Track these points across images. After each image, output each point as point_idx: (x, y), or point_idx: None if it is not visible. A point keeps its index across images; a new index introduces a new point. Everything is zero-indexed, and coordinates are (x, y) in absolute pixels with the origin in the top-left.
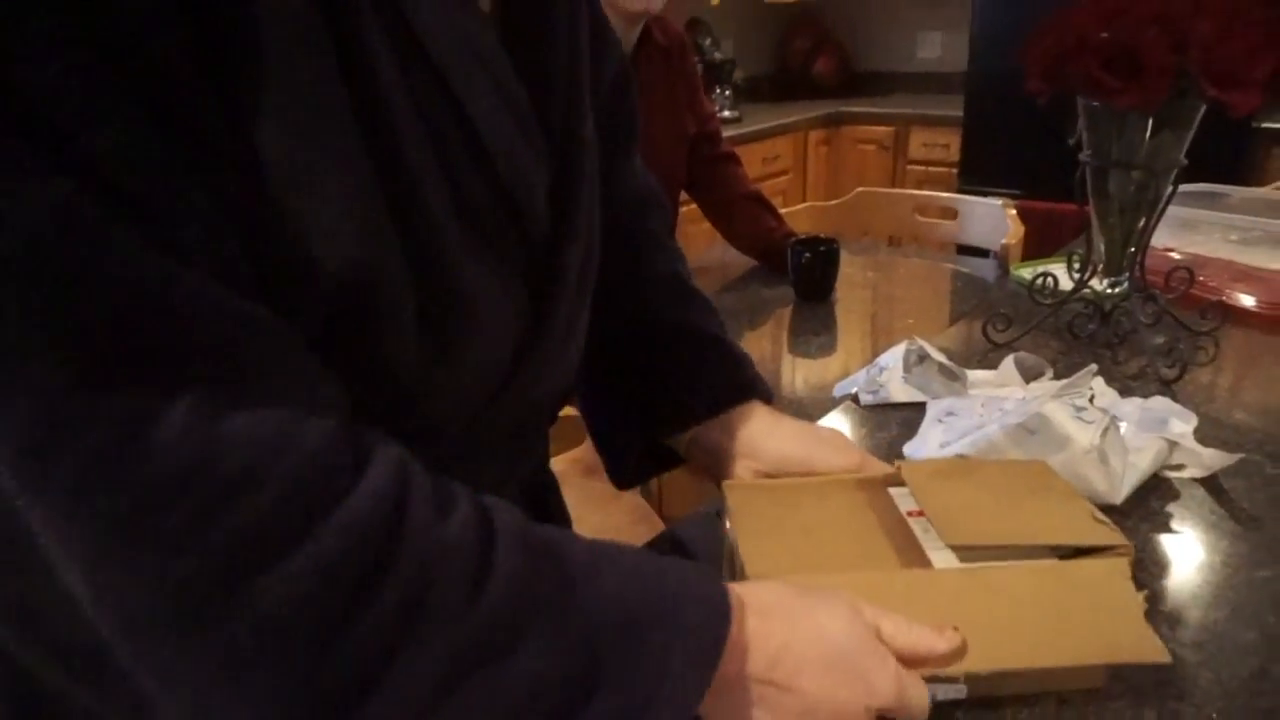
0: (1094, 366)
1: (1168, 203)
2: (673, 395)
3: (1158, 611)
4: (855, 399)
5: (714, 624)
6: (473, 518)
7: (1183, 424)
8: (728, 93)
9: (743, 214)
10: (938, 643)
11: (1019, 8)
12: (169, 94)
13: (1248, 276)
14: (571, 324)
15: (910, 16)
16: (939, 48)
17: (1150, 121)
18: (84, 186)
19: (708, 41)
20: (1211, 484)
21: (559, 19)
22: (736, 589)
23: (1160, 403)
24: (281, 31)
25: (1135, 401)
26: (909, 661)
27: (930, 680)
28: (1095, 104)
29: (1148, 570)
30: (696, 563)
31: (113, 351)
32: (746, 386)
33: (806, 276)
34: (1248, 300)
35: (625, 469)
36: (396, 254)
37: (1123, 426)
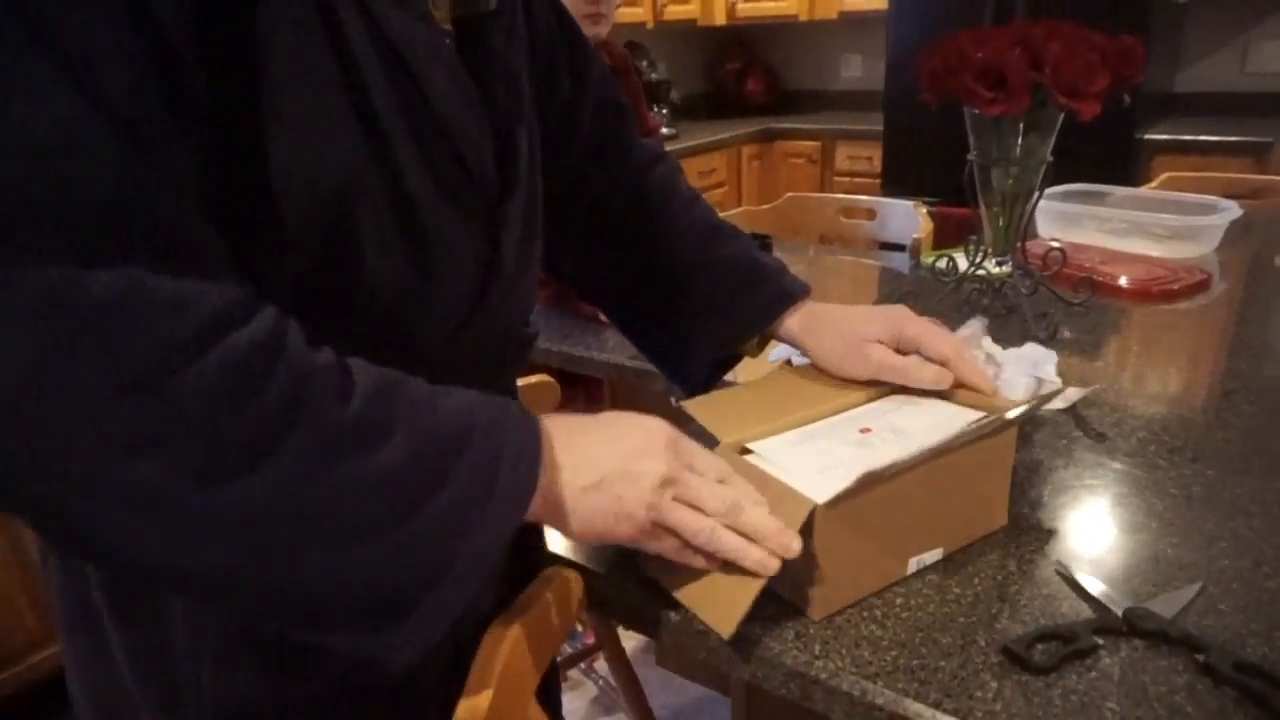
0: (981, 317)
1: (1040, 194)
2: (730, 316)
3: (1025, 498)
4: (789, 362)
5: (532, 433)
6: (334, 356)
7: (1047, 363)
8: (665, 111)
9: None
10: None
11: (929, 33)
12: (175, 57)
13: (1115, 259)
14: (521, 261)
15: (833, 41)
16: (860, 69)
17: (1021, 126)
18: (94, 108)
19: (644, 63)
20: (1072, 411)
21: (497, 34)
22: (543, 419)
23: (1030, 348)
24: (286, 22)
25: (1013, 350)
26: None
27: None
28: (976, 111)
29: (1020, 474)
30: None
31: (91, 230)
32: (787, 294)
33: None
34: (1122, 279)
35: (697, 382)
36: (375, 188)
37: (1005, 369)
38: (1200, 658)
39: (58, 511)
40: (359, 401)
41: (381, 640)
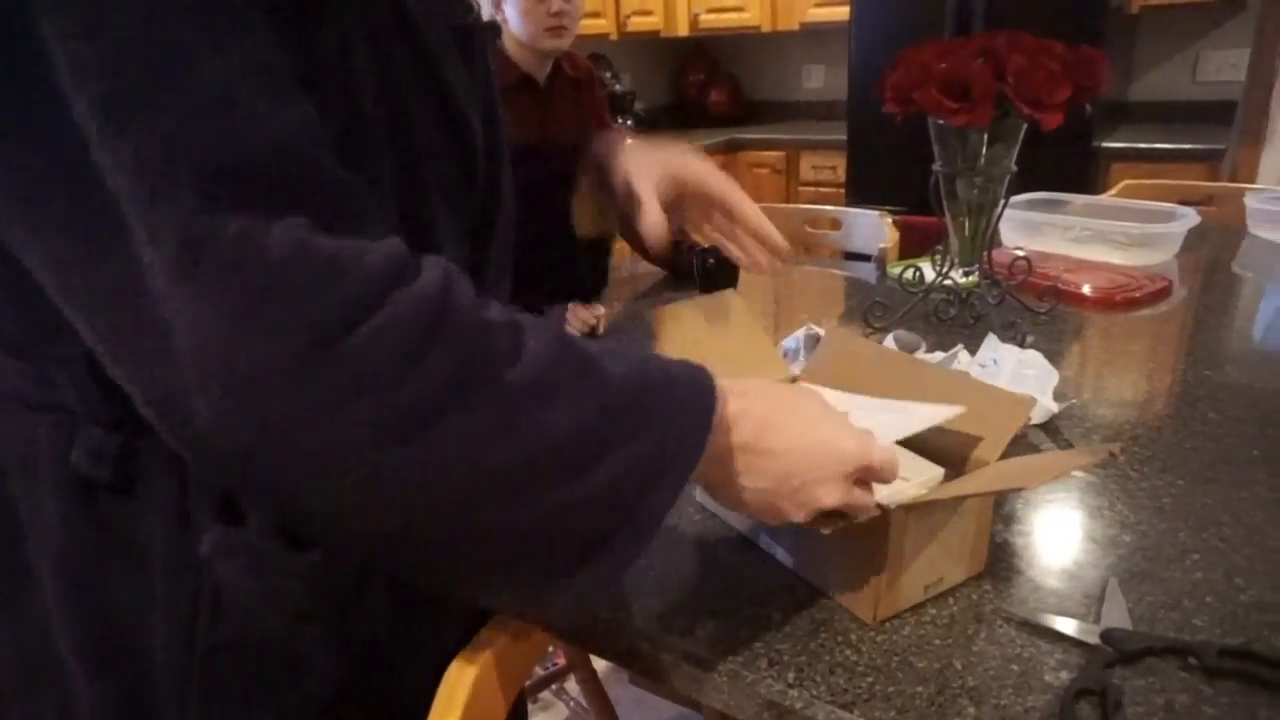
0: (960, 345)
1: (1005, 203)
2: None
3: (999, 514)
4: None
5: (703, 400)
6: (504, 311)
7: (1047, 384)
8: (629, 123)
9: None
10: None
11: (890, 43)
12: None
13: (1079, 268)
14: (500, 271)
15: (795, 51)
16: (822, 79)
17: (985, 136)
18: (243, 67)
19: (608, 75)
20: (1048, 425)
21: (479, 49)
22: (719, 380)
23: (1034, 357)
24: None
25: (1014, 352)
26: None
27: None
28: (941, 123)
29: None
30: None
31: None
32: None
33: (710, 279)
34: (1085, 288)
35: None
36: (393, 162)
37: (1002, 372)
38: (1192, 660)
39: (255, 472)
40: (529, 361)
41: (544, 597)
